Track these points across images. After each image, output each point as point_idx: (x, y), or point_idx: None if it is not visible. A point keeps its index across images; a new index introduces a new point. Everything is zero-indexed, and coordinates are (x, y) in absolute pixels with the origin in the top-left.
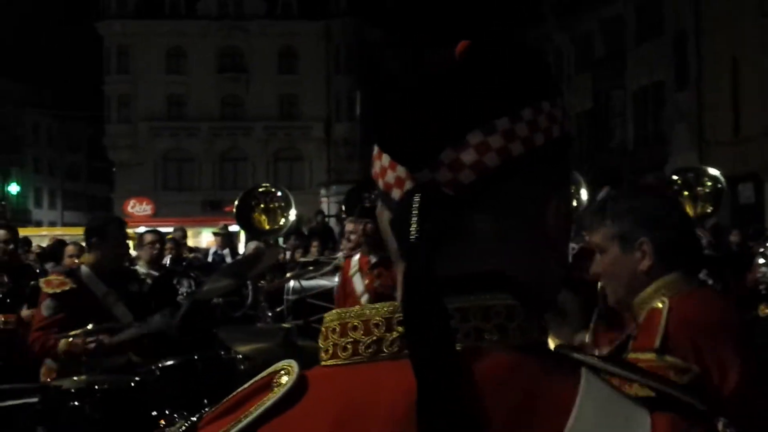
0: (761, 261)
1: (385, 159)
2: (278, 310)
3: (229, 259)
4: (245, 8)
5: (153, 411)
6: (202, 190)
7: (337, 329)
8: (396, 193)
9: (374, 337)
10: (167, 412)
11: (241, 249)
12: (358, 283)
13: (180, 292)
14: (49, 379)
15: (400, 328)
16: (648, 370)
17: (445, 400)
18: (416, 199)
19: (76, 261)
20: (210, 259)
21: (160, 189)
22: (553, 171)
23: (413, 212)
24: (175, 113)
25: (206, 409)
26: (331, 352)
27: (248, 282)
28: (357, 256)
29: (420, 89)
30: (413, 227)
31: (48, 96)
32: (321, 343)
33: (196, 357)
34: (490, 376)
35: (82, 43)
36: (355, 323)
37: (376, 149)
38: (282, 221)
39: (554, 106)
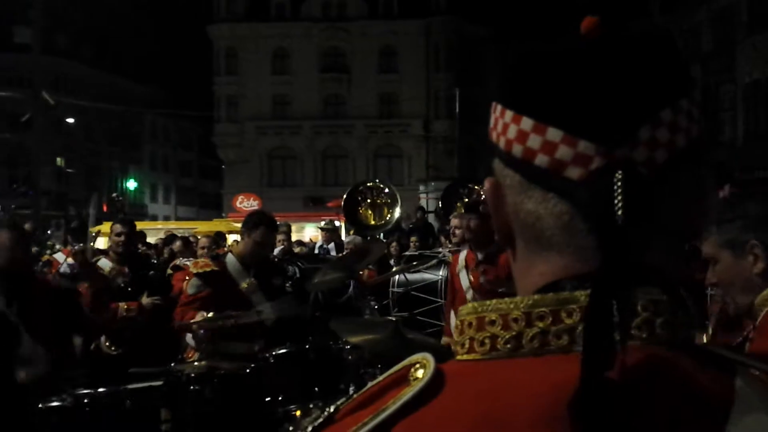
0: None
1: (555, 134)
2: (384, 303)
3: (333, 253)
4: (348, 9)
5: (267, 396)
6: (304, 186)
7: (474, 323)
8: (574, 172)
9: (513, 332)
10: (280, 397)
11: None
12: (464, 279)
13: (289, 275)
14: (189, 356)
15: (540, 324)
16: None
17: (614, 399)
18: (618, 178)
19: (224, 249)
20: (316, 253)
21: (266, 185)
22: (708, 165)
23: (617, 192)
24: (279, 112)
25: (341, 402)
26: (467, 346)
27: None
28: (464, 252)
29: (611, 65)
30: (619, 208)
31: (163, 97)
32: (456, 337)
33: (307, 346)
34: (654, 372)
35: (194, 46)
36: (493, 317)
37: (528, 123)
38: (388, 217)
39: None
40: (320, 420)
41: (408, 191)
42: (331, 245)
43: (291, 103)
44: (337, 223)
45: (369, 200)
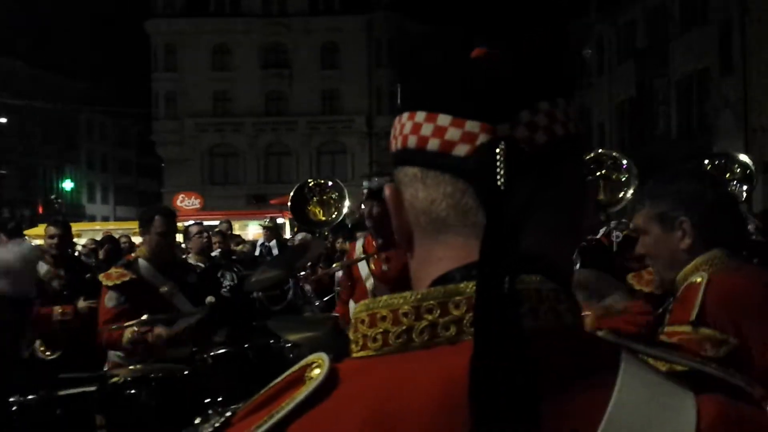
0: None
1: (444, 119)
2: (326, 299)
3: (275, 251)
4: (288, 5)
5: (206, 398)
6: (247, 184)
7: (366, 320)
8: (462, 149)
9: (404, 327)
10: (219, 399)
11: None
12: (364, 268)
13: (224, 285)
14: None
15: (429, 317)
16: (690, 352)
17: (511, 382)
18: (501, 148)
19: (132, 255)
20: (257, 251)
21: (208, 183)
22: (581, 164)
23: (499, 161)
24: (220, 109)
25: (239, 406)
26: (361, 343)
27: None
28: (361, 240)
29: (496, 64)
30: (501, 174)
31: (100, 94)
32: (351, 335)
33: (246, 346)
34: (543, 359)
35: (131, 41)
36: (384, 313)
37: (422, 116)
38: (336, 213)
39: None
40: (217, 424)
41: (352, 187)
42: (273, 243)
43: (232, 100)
44: (280, 221)
45: (316, 197)
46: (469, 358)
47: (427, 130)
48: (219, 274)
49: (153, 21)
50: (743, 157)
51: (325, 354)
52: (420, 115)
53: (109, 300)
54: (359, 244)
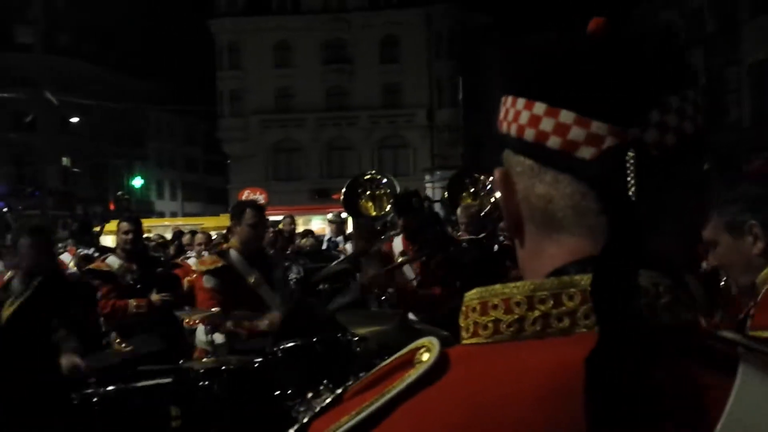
0: None
1: (567, 116)
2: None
3: (342, 246)
4: (348, 1)
5: (276, 390)
6: (310, 179)
7: (478, 308)
8: (587, 152)
9: (516, 316)
10: (290, 391)
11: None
12: (409, 272)
13: (290, 278)
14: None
15: (542, 307)
16: None
17: (632, 373)
18: (630, 154)
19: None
20: (324, 245)
21: (271, 179)
22: (705, 158)
23: (630, 170)
24: (282, 106)
25: (349, 383)
26: (471, 330)
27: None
28: (398, 239)
29: (620, 54)
30: (632, 185)
31: (167, 93)
32: (461, 322)
33: (315, 339)
34: (662, 353)
35: (196, 41)
36: (496, 302)
37: (541, 107)
38: (388, 207)
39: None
40: (329, 400)
41: (414, 181)
42: (340, 238)
43: (294, 96)
44: (344, 215)
45: (368, 192)
46: (582, 350)
47: (547, 125)
48: (287, 265)
49: (217, 20)
50: None
51: (436, 338)
52: (539, 107)
53: (207, 281)
54: (397, 243)
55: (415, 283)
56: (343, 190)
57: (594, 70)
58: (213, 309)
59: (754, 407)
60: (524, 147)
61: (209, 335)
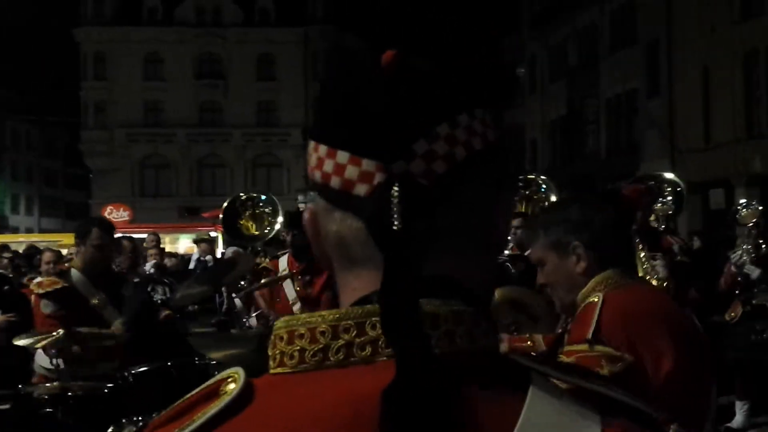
0: (735, 264)
1: (342, 156)
2: (255, 314)
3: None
4: (223, 15)
5: (125, 417)
6: (179, 196)
7: (285, 337)
8: (361, 189)
9: (320, 345)
10: (140, 418)
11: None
12: (290, 290)
13: (155, 299)
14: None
15: (346, 336)
16: (600, 375)
17: (424, 406)
18: (396, 189)
19: (66, 264)
20: (192, 265)
21: (138, 195)
22: (500, 175)
23: (394, 204)
24: (151, 119)
25: (154, 415)
26: (278, 360)
27: (223, 289)
28: (284, 258)
29: (384, 86)
30: (397, 219)
31: (27, 102)
32: (269, 352)
33: (169, 363)
34: (456, 380)
35: (60, 49)
36: (302, 331)
37: (323, 150)
38: (269, 228)
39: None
40: None
41: (287, 201)
42: (209, 257)
43: (164, 110)
44: (213, 234)
45: (249, 211)
46: (382, 378)
47: (328, 166)
48: (150, 288)
49: (82, 29)
50: (670, 176)
51: (241, 369)
52: (322, 149)
53: (45, 307)
54: (283, 262)
55: (297, 304)
56: (223, 207)
57: (363, 109)
58: (57, 332)
59: (540, 428)
60: (317, 188)
61: (54, 359)
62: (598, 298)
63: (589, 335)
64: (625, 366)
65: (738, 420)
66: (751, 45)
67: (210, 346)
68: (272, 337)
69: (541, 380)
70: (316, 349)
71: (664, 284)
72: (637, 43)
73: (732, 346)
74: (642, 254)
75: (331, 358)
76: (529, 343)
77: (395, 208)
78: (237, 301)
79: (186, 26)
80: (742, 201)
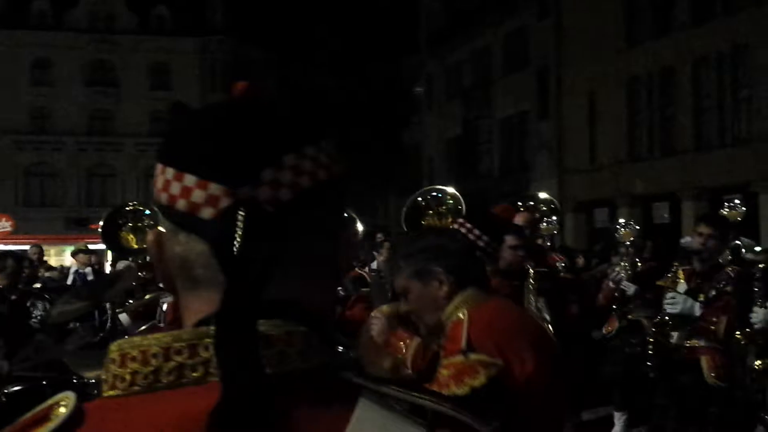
0: (612, 281)
1: (190, 179)
2: (144, 328)
3: (91, 278)
4: (116, 22)
5: None
6: (67, 206)
7: (117, 360)
8: (207, 212)
9: (152, 367)
10: None
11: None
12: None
13: (33, 316)
14: None
15: (178, 358)
16: (428, 390)
17: (248, 426)
18: (241, 214)
19: None
20: (71, 278)
21: (22, 205)
22: (344, 204)
23: (238, 228)
24: (38, 126)
25: None
26: (110, 383)
27: (107, 304)
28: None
29: (235, 114)
30: (240, 243)
31: None
32: (103, 375)
33: (44, 382)
34: (286, 399)
35: None
36: (134, 354)
37: (171, 172)
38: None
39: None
40: None
41: None
42: (88, 270)
43: (52, 117)
44: (102, 246)
45: (131, 223)
46: (212, 398)
47: (175, 189)
48: (29, 304)
49: None
50: (544, 195)
51: (73, 393)
52: (169, 172)
53: None
54: None
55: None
56: (103, 219)
57: (215, 133)
58: None
59: None
60: (163, 210)
61: None
62: (464, 315)
63: (463, 346)
64: (498, 370)
65: (617, 430)
66: (633, 72)
67: (88, 364)
68: (105, 360)
69: (371, 397)
70: (148, 371)
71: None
72: (529, 67)
73: (610, 360)
74: (531, 296)
75: (163, 380)
76: (402, 343)
77: (239, 232)
78: (123, 316)
79: (77, 31)
80: (621, 220)
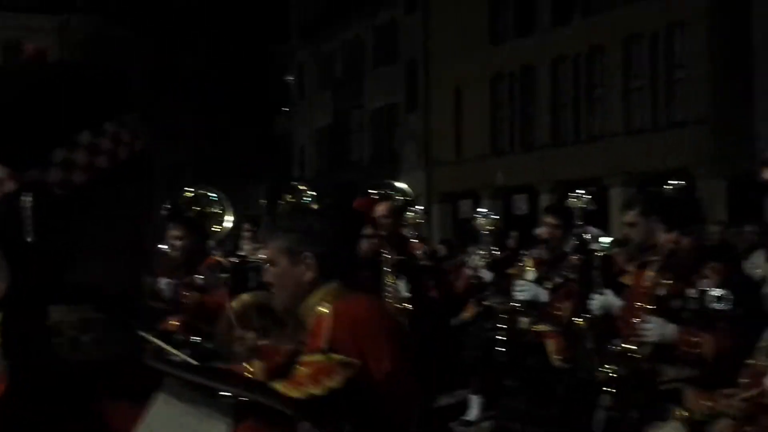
0: (470, 268)
1: None
2: None
3: None
4: None
5: None
6: None
7: None
8: None
9: None
10: None
11: None
12: None
13: None
14: None
15: None
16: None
17: (36, 414)
18: (27, 199)
19: None
20: None
21: None
22: (148, 184)
23: (25, 213)
24: None
25: None
26: None
27: None
28: None
29: (20, 86)
30: (25, 230)
31: None
32: None
33: None
34: (85, 386)
35: None
36: None
37: None
38: None
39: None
40: None
41: None
42: None
43: None
44: None
45: None
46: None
47: None
48: None
49: None
50: (401, 185)
51: None
52: None
53: None
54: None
55: None
56: None
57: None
58: None
59: (160, 429)
60: None
61: None
62: (329, 309)
63: (325, 345)
64: (355, 370)
65: (473, 413)
66: (497, 69)
67: None
68: None
69: (174, 384)
70: None
71: (405, 304)
72: (399, 60)
73: (467, 345)
74: (389, 278)
75: None
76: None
77: (25, 218)
78: None
79: None
80: (480, 210)
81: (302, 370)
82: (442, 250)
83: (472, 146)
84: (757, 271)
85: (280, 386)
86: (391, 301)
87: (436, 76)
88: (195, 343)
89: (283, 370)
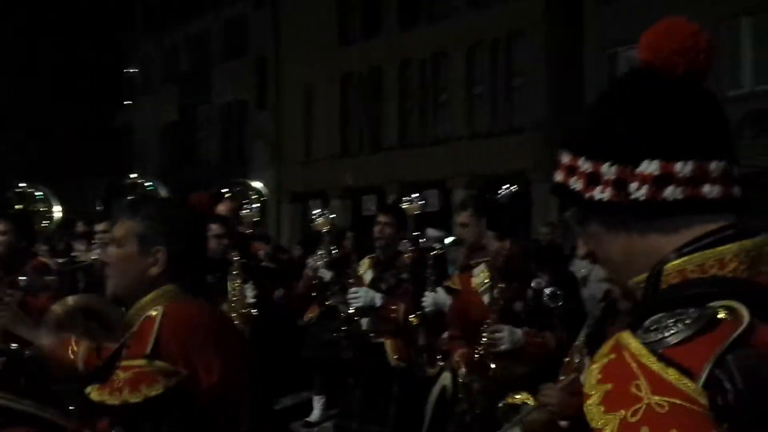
0: (311, 269)
1: None
2: None
3: None
4: None
5: None
6: None
7: None
8: None
9: None
10: None
11: None
12: None
13: None
14: None
15: None
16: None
17: None
18: None
19: None
20: None
21: None
22: None
23: None
24: None
25: None
26: None
27: None
28: None
29: None
30: None
31: None
32: None
33: None
34: None
35: None
36: None
37: None
38: None
39: None
40: None
41: None
42: None
43: None
44: None
45: None
46: None
47: None
48: None
49: None
50: (257, 184)
51: None
52: None
53: None
54: None
55: None
56: None
57: None
58: None
59: None
60: None
61: None
62: (158, 312)
63: (148, 351)
64: (179, 380)
65: (316, 414)
66: (346, 70)
67: None
68: None
69: None
70: None
71: (250, 310)
72: (248, 56)
73: (309, 346)
74: (236, 281)
75: None
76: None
77: None
78: None
79: None
80: (316, 210)
81: (120, 375)
82: (298, 250)
83: (321, 146)
84: (582, 270)
85: (94, 391)
86: (235, 306)
87: (286, 73)
88: (12, 350)
89: (103, 373)
